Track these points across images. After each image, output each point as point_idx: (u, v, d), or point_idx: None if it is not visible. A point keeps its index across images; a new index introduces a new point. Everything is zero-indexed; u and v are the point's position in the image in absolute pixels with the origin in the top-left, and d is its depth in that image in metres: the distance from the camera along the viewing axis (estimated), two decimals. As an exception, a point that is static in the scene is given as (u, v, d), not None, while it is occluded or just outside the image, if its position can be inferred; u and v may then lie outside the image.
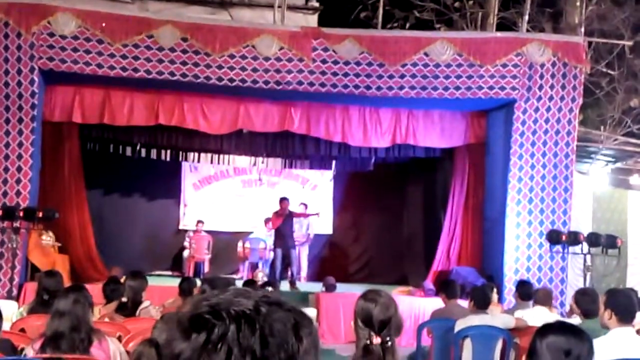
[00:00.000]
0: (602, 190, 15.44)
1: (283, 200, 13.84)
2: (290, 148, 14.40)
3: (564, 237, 11.79)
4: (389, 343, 3.44)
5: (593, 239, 11.77)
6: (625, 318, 4.71)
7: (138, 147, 15.24)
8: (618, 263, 13.65)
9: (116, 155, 15.35)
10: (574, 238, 11.78)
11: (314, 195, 16.76)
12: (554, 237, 11.85)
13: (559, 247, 11.96)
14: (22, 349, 4.50)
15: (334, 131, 12.92)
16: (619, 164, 15.93)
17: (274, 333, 1.20)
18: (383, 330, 3.46)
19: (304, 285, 13.93)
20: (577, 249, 11.92)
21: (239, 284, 8.80)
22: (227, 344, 1.17)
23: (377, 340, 3.42)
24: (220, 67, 11.74)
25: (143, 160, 15.58)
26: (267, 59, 11.87)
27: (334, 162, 16.74)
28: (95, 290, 10.32)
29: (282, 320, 1.22)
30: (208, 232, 15.41)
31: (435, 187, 16.05)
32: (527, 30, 14.30)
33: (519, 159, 12.19)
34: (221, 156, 16.28)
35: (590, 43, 14.34)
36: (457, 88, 12.14)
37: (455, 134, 13.24)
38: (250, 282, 8.33)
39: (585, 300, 6.07)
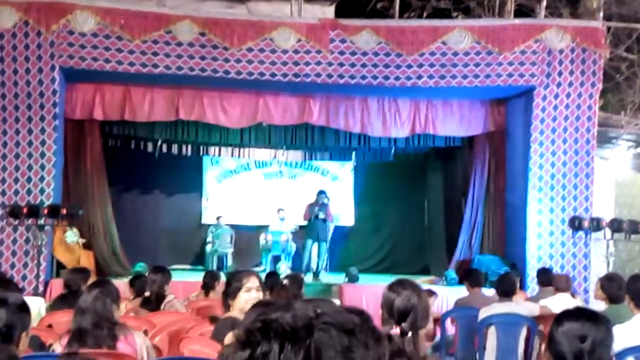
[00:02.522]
0: (624, 176, 15.35)
1: (320, 193, 14.00)
2: (310, 140, 14.43)
3: (586, 224, 11.74)
4: (409, 334, 3.44)
5: (616, 225, 11.71)
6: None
7: (159, 143, 15.33)
8: (641, 248, 13.58)
9: (137, 151, 15.46)
10: (596, 224, 11.73)
11: (335, 187, 16.78)
12: (576, 224, 11.81)
13: (581, 234, 11.92)
14: (50, 345, 4.56)
15: (353, 122, 12.93)
16: (640, 149, 15.80)
17: (319, 356, 1.15)
18: (403, 320, 3.47)
19: (326, 277, 14.00)
20: (599, 234, 11.87)
21: (262, 276, 8.84)
22: None
23: (395, 330, 3.44)
24: (238, 60, 11.79)
25: (164, 156, 15.67)
26: (285, 51, 11.90)
27: (353, 153, 16.75)
28: (120, 285, 10.48)
29: (331, 344, 1.17)
30: (230, 225, 15.48)
31: (455, 176, 16.02)
32: (545, 16, 14.23)
33: (539, 145, 12.15)
34: (242, 149, 16.35)
35: (609, 27, 14.22)
36: (476, 76, 12.11)
37: (475, 122, 13.21)
38: (271, 275, 8.38)
39: (611, 286, 6.07)
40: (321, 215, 13.80)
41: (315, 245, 14.03)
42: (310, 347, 1.15)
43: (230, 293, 4.74)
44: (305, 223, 14.26)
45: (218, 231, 15.11)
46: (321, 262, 14.20)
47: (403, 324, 3.48)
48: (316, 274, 13.72)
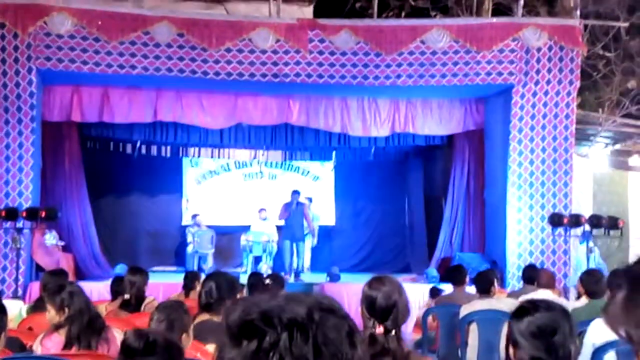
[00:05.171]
0: (602, 172, 15.49)
1: (294, 193, 14.00)
2: (290, 140, 14.42)
3: (565, 220, 11.82)
4: (393, 332, 3.43)
5: (595, 221, 11.80)
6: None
7: (138, 144, 15.27)
8: (620, 244, 13.69)
9: (116, 153, 15.41)
10: (575, 220, 11.81)
11: (315, 187, 16.80)
12: (555, 220, 11.88)
13: (560, 230, 12.00)
14: (31, 346, 4.54)
15: (333, 122, 12.94)
16: (618, 146, 15.95)
17: (327, 341, 1.16)
18: (386, 318, 3.45)
19: (308, 276, 13.99)
20: (579, 231, 11.95)
21: (244, 278, 8.84)
22: (279, 353, 1.14)
23: (380, 329, 3.42)
24: (217, 61, 11.76)
25: (143, 157, 15.62)
26: (263, 52, 11.89)
27: (334, 153, 16.77)
28: (100, 288, 10.43)
29: (336, 328, 1.18)
30: (210, 226, 15.44)
31: (435, 175, 16.08)
32: (523, 15, 14.29)
33: (518, 143, 12.21)
34: (221, 150, 16.32)
35: (586, 26, 14.33)
36: (455, 75, 12.16)
37: (454, 121, 13.26)
38: (255, 275, 8.36)
39: (589, 281, 6.11)
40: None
41: (294, 246, 14.02)
42: (317, 333, 1.16)
43: None
44: (282, 223, 14.26)
45: (199, 232, 15.06)
46: (301, 262, 14.18)
47: (386, 322, 3.45)
48: (297, 274, 13.71)
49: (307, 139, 14.34)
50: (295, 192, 14.13)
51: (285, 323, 1.16)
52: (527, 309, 2.81)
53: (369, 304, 3.50)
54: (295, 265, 13.98)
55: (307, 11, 15.42)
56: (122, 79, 11.81)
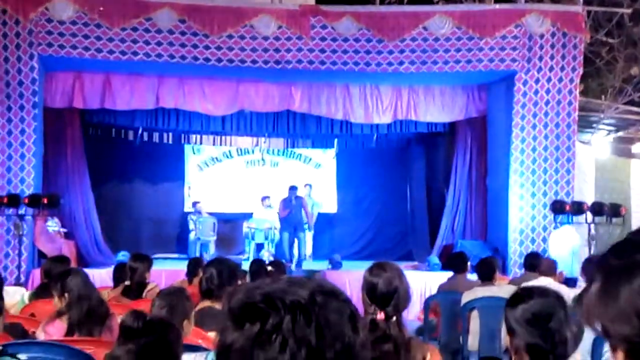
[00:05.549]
0: (605, 159, 15.45)
1: (291, 189, 13.98)
2: (292, 127, 14.39)
3: (567, 207, 11.79)
4: (394, 318, 3.43)
5: (597, 208, 11.77)
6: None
7: (140, 131, 15.25)
8: (622, 231, 13.66)
9: (118, 139, 15.40)
10: (577, 208, 11.78)
11: (317, 174, 16.79)
12: (557, 208, 11.85)
13: (563, 218, 11.98)
14: (34, 332, 4.55)
15: (336, 109, 12.92)
16: (620, 133, 15.92)
17: (330, 324, 1.16)
18: (387, 304, 3.44)
19: (309, 264, 14.02)
20: (581, 218, 11.93)
21: (246, 264, 8.85)
22: (281, 335, 1.14)
23: (381, 315, 3.41)
24: (219, 48, 11.74)
25: (145, 144, 15.62)
26: (265, 38, 11.86)
27: (336, 140, 16.75)
28: (103, 275, 10.46)
29: (338, 311, 1.19)
30: (212, 213, 15.44)
31: (437, 162, 16.07)
32: (526, 1, 14.22)
33: (520, 130, 12.19)
34: (223, 137, 16.30)
35: (589, 12, 14.26)
36: (457, 61, 12.13)
37: (457, 108, 13.24)
38: (257, 262, 8.36)
39: (589, 268, 6.10)
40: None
41: (295, 237, 14.02)
42: (320, 316, 1.16)
43: None
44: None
45: (200, 219, 15.07)
46: (303, 251, 14.20)
47: (387, 308, 3.45)
48: (299, 263, 13.72)
49: (309, 126, 14.31)
50: (293, 188, 14.14)
51: (288, 305, 1.16)
52: (522, 296, 2.82)
53: (370, 289, 3.49)
54: (296, 254, 14.00)
55: (310, -3, 15.35)
56: (124, 65, 11.80)
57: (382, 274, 3.49)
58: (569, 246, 11.14)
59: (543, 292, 2.83)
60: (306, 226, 14.57)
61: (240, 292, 1.22)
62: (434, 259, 13.04)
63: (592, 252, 11.52)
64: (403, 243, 16.59)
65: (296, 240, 14.01)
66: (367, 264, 3.70)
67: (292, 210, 13.81)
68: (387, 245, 16.32)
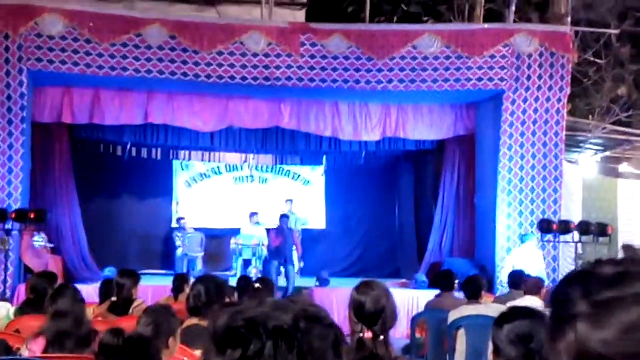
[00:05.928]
0: (592, 179, 15.51)
1: (283, 217, 13.83)
2: (281, 144, 14.40)
3: (555, 227, 11.83)
4: (381, 337, 3.43)
5: (584, 228, 11.81)
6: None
7: (128, 147, 15.23)
8: (609, 251, 13.70)
9: (107, 155, 15.36)
10: (564, 227, 11.82)
11: (306, 191, 16.79)
12: (545, 227, 11.89)
13: (550, 237, 12.01)
14: (18, 349, 4.51)
15: (324, 126, 12.95)
16: (608, 153, 16.00)
17: (313, 350, 1.15)
18: (375, 323, 3.45)
19: (297, 281, 13.95)
20: (568, 237, 11.97)
21: (233, 281, 8.83)
22: None
23: (368, 334, 3.42)
24: (209, 64, 11.76)
25: (134, 160, 15.59)
26: (255, 55, 11.89)
27: (325, 157, 16.76)
28: (90, 290, 10.39)
29: (322, 337, 1.18)
30: (200, 229, 15.39)
31: (426, 180, 16.10)
32: (514, 21, 14.35)
33: (508, 149, 12.24)
34: (212, 153, 16.28)
35: (577, 32, 14.38)
36: (446, 80, 12.19)
37: (445, 126, 13.28)
38: (244, 279, 8.35)
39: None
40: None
41: (283, 269, 13.67)
42: (303, 342, 1.15)
43: None
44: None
45: (188, 235, 15.01)
46: (290, 286, 13.68)
47: (374, 327, 3.45)
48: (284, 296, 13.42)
49: (298, 143, 14.33)
50: (285, 217, 13.92)
51: (271, 331, 1.15)
52: (508, 316, 2.87)
53: (358, 308, 3.49)
54: (284, 286, 13.69)
55: (300, 15, 15.44)
56: (113, 81, 11.80)
57: (369, 293, 3.50)
58: (535, 264, 11.14)
59: (528, 313, 2.87)
60: (296, 259, 14.33)
61: (224, 315, 1.21)
62: (422, 276, 13.04)
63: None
64: (391, 260, 16.57)
65: (283, 270, 13.65)
66: (355, 281, 3.71)
67: (284, 239, 13.50)
68: (375, 262, 16.30)
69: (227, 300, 5.41)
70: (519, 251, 11.61)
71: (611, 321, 0.99)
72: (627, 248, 10.58)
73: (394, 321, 3.52)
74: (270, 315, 1.17)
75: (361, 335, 3.43)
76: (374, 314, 3.44)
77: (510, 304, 7.33)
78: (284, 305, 1.21)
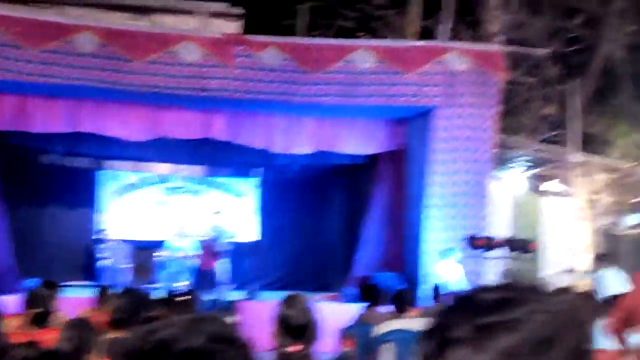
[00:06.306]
0: (520, 196, 15.81)
1: (212, 239, 13.64)
2: (213, 155, 14.29)
3: (481, 242, 11.99)
4: (306, 350, 3.43)
5: (509, 244, 12.01)
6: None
7: (56, 155, 14.90)
8: (534, 266, 13.97)
9: (34, 163, 15.01)
10: (490, 243, 11.98)
11: (238, 203, 16.69)
12: (471, 242, 12.03)
13: (476, 252, 12.16)
14: None
15: (257, 138, 12.91)
16: (536, 170, 16.32)
17: None
18: (301, 336, 3.45)
19: (227, 294, 13.82)
20: (494, 253, 12.14)
21: (160, 293, 8.70)
22: None
23: (294, 347, 3.41)
24: (140, 73, 11.60)
25: (61, 168, 15.26)
26: (189, 65, 11.78)
27: (257, 170, 16.69)
28: (11, 301, 10.10)
29: (233, 359, 1.17)
30: (129, 241, 15.13)
31: (358, 194, 16.14)
32: (447, 39, 14.56)
33: (438, 165, 12.37)
34: (142, 164, 16.06)
35: (508, 52, 14.66)
36: (379, 95, 12.28)
37: (377, 140, 13.38)
38: (169, 292, 8.22)
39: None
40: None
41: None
42: None
43: None
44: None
45: (113, 246, 14.73)
46: (219, 299, 13.42)
47: (299, 340, 3.45)
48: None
49: (231, 155, 14.24)
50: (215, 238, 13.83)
51: (180, 353, 1.13)
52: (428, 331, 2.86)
53: (283, 322, 3.50)
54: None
55: (235, 26, 15.40)
56: (41, 87, 11.54)
57: (295, 306, 3.52)
58: (456, 278, 11.30)
59: None
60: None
61: (136, 334, 1.19)
62: (351, 290, 13.06)
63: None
64: (322, 273, 16.55)
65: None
66: (285, 294, 3.72)
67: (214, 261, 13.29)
68: (306, 275, 16.26)
69: (150, 313, 5.31)
70: (442, 265, 11.76)
71: (491, 345, 1.02)
72: (508, 273, 10.86)
73: (319, 335, 3.53)
74: (180, 336, 1.15)
75: (286, 349, 3.43)
76: (299, 327, 3.45)
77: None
78: (196, 325, 1.19)
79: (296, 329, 3.45)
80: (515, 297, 1.06)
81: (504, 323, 1.03)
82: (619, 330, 4.41)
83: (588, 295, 5.15)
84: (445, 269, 11.60)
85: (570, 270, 13.81)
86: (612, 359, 4.90)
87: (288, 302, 3.58)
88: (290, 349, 3.43)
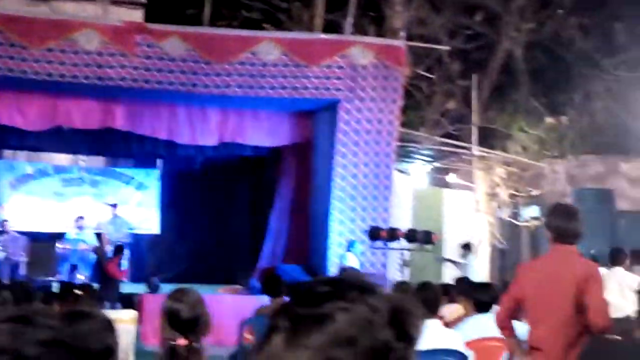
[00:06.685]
0: (422, 189, 16.10)
1: (120, 247, 13.30)
2: (113, 146, 14.02)
3: (383, 233, 12.15)
4: (195, 344, 3.40)
5: (411, 235, 12.22)
6: (432, 310, 4.94)
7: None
8: (435, 258, 14.25)
9: None
10: (392, 234, 12.17)
11: (140, 195, 16.40)
12: (374, 233, 12.18)
13: (379, 243, 12.32)
14: None
15: (160, 128, 12.73)
16: (437, 164, 16.64)
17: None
18: (190, 330, 3.42)
19: (127, 286, 13.60)
20: (396, 244, 12.33)
21: (57, 286, 8.50)
22: None
23: (182, 342, 3.38)
24: (37, 60, 11.26)
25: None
26: (88, 53, 11.50)
27: (160, 161, 16.46)
28: None
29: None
30: (25, 233, 14.66)
31: (263, 186, 16.12)
32: (351, 33, 14.67)
33: (342, 157, 12.48)
34: (39, 154, 15.60)
35: (410, 47, 14.87)
36: (284, 88, 12.27)
37: (282, 133, 13.38)
38: (66, 284, 8.05)
39: (425, 296, 6.24)
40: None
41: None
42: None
43: None
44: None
45: (9, 238, 14.23)
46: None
47: (188, 334, 3.42)
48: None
49: (132, 145, 13.98)
50: (122, 246, 13.48)
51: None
52: None
53: (172, 316, 3.47)
54: None
55: (137, 15, 15.11)
56: None
57: (185, 300, 3.49)
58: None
59: None
60: None
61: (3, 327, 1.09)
62: (255, 282, 13.03)
63: (404, 277, 11.92)
64: (226, 266, 16.44)
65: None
66: (189, 287, 3.68)
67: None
68: (210, 267, 16.12)
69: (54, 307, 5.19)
70: (345, 257, 11.90)
71: (302, 339, 1.03)
72: (343, 270, 11.12)
73: (208, 330, 3.51)
74: (5, 343, 1.07)
75: (173, 343, 3.39)
76: (189, 321, 3.42)
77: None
78: (24, 331, 1.09)
79: (184, 323, 3.41)
80: (334, 292, 1.07)
81: (314, 317, 1.04)
82: (505, 320, 4.53)
83: (422, 288, 5.16)
84: (348, 260, 11.71)
85: (467, 245, 14.13)
86: (497, 349, 5.04)
87: (176, 295, 3.55)
88: (179, 342, 3.40)
